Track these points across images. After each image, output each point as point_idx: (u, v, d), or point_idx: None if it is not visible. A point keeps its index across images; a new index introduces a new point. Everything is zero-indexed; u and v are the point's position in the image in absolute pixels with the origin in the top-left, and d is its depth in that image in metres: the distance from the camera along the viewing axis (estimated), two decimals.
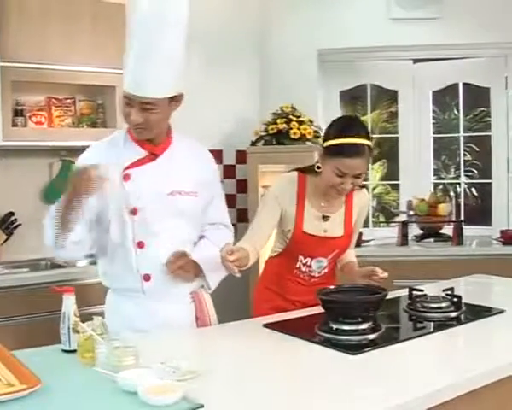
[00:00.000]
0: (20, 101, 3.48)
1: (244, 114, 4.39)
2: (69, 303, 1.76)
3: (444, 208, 4.29)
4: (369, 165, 2.22)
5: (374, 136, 2.31)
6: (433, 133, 4.80)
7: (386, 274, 2.20)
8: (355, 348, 1.78)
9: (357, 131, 2.20)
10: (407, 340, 1.92)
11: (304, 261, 2.36)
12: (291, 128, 4.01)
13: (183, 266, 2.08)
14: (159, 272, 2.07)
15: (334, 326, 1.93)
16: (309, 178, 2.35)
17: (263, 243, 2.30)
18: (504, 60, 4.45)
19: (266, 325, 2.08)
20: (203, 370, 1.55)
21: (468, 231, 4.29)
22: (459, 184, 5.55)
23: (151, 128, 2.02)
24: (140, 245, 2.06)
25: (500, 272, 2.95)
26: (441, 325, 2.07)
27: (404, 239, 4.19)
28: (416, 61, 4.63)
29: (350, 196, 2.39)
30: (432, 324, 2.10)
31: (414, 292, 2.33)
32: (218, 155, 4.19)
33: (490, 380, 1.61)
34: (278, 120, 4.05)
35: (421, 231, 4.40)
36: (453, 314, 2.15)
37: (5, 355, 1.61)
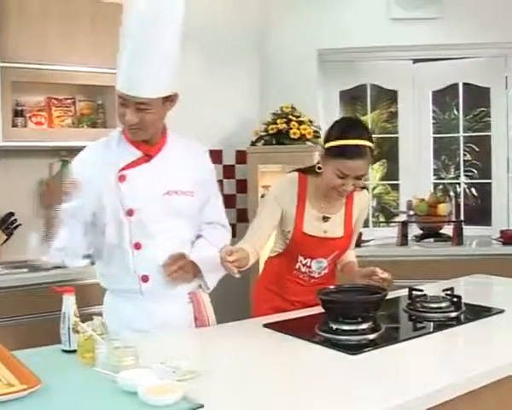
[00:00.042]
0: (20, 101, 3.48)
1: (244, 114, 4.38)
2: (69, 303, 1.77)
3: (444, 208, 4.29)
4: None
5: (374, 136, 2.31)
6: (433, 133, 4.80)
7: (386, 274, 2.20)
8: (355, 348, 1.78)
9: (359, 132, 2.20)
10: (407, 340, 1.91)
11: (304, 262, 2.36)
12: (291, 128, 4.01)
13: (183, 267, 2.07)
14: (156, 273, 2.06)
15: (334, 326, 1.93)
16: (310, 178, 2.34)
17: (263, 244, 2.30)
18: (504, 60, 4.45)
19: (266, 325, 2.08)
20: (203, 370, 1.55)
21: (468, 231, 4.29)
22: (459, 184, 5.55)
23: (146, 128, 2.01)
24: (137, 246, 2.06)
25: (500, 272, 2.95)
26: (441, 325, 2.07)
27: (403, 239, 4.20)
28: (415, 61, 4.63)
29: (350, 197, 2.38)
30: (432, 324, 2.10)
31: (414, 292, 2.32)
32: (217, 155, 4.19)
33: (490, 380, 1.61)
34: (278, 120, 4.05)
35: (420, 231, 4.41)
36: (453, 314, 2.15)
37: (5, 355, 1.61)
